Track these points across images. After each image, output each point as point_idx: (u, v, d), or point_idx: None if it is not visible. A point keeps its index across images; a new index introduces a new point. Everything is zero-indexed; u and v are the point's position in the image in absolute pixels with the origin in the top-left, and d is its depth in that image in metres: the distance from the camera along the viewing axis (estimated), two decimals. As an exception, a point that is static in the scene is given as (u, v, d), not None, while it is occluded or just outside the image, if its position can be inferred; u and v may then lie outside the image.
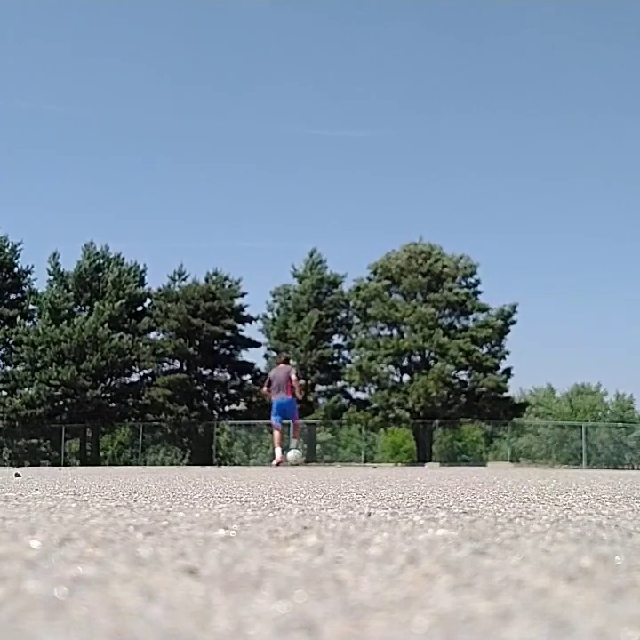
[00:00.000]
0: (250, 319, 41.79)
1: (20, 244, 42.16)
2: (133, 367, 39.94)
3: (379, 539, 1.82)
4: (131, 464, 34.92)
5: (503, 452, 39.43)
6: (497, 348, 38.74)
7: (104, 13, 65.79)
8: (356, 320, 40.59)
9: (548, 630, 0.96)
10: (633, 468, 36.17)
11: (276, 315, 42.85)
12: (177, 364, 40.52)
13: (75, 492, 3.78)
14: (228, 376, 41.23)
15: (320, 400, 40.58)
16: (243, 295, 41.37)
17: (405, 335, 38.13)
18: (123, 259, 41.81)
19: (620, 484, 5.74)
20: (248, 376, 41.44)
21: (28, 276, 42.15)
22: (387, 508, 2.79)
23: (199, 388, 40.30)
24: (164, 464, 36.50)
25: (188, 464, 35.55)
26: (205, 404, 40.39)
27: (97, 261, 41.14)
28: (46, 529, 1.95)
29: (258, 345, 42.14)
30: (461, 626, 0.97)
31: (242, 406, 40.73)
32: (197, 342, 39.68)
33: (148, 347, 39.28)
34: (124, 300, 39.61)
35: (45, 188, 67.66)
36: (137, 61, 67.70)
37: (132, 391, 40.15)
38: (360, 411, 38.34)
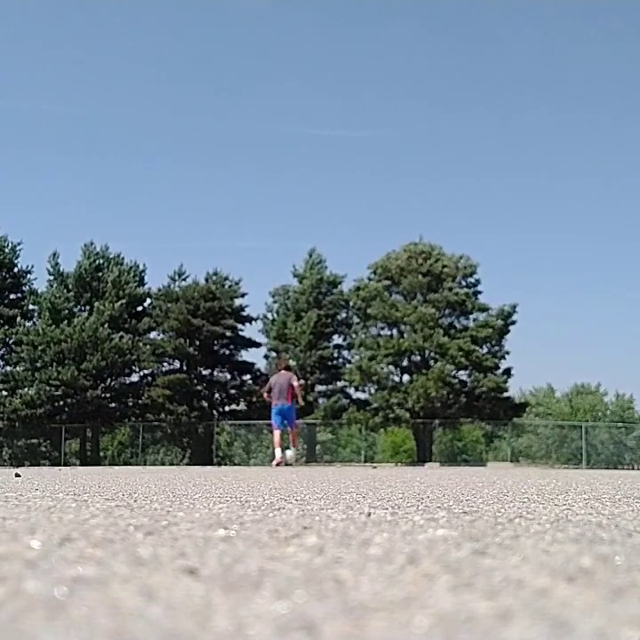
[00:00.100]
0: (250, 319, 41.80)
1: (19, 243, 42.19)
2: (133, 367, 39.93)
3: (379, 539, 1.82)
4: (131, 464, 34.92)
5: (503, 452, 39.43)
6: (497, 348, 38.73)
7: (104, 13, 65.85)
8: (356, 320, 40.58)
9: (547, 630, 0.96)
10: (633, 468, 36.17)
11: (275, 315, 42.86)
12: (177, 364, 40.52)
13: (75, 492, 3.78)
14: (228, 376, 41.23)
15: (320, 400, 40.56)
16: (243, 295, 41.40)
17: (405, 335, 38.12)
18: (122, 259, 41.81)
19: (619, 484, 5.74)
20: (248, 376, 41.44)
21: (28, 276, 42.16)
22: (387, 508, 2.78)
23: (199, 387, 40.29)
24: (163, 464, 36.50)
25: (188, 464, 35.55)
26: (205, 404, 40.38)
27: (97, 261, 41.14)
28: (46, 529, 1.95)
29: (258, 345, 42.16)
30: (461, 626, 0.97)
31: (242, 406, 40.73)
32: (197, 342, 39.68)
33: (148, 347, 39.27)
34: (124, 300, 39.61)
35: (45, 188, 67.70)
36: (137, 61, 67.74)
37: (131, 391, 40.15)
38: (360, 411, 38.33)
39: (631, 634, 0.94)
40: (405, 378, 38.78)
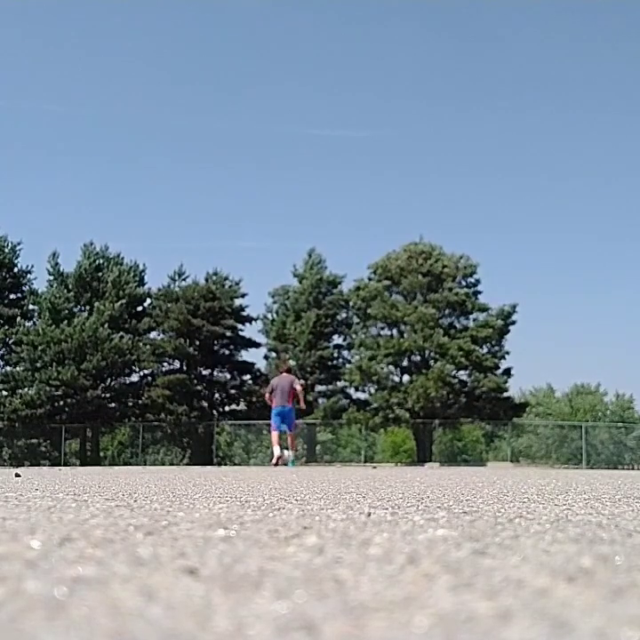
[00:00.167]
0: (250, 319, 41.80)
1: (19, 243, 42.21)
2: (133, 367, 39.94)
3: (379, 539, 1.82)
4: (131, 464, 34.92)
5: (503, 452, 39.43)
6: (497, 348, 38.74)
7: (104, 13, 65.86)
8: (356, 320, 40.58)
9: (547, 630, 0.96)
10: (633, 468, 36.17)
11: (274, 315, 42.87)
12: (177, 364, 40.53)
13: (75, 492, 3.78)
14: (228, 376, 41.23)
15: (320, 400, 40.56)
16: (243, 296, 41.40)
17: (405, 335, 38.12)
18: (122, 259, 41.82)
19: (619, 484, 5.75)
20: (248, 376, 41.45)
21: (28, 275, 42.17)
22: (387, 508, 2.79)
23: (199, 387, 40.30)
24: (163, 464, 36.50)
25: (187, 464, 35.55)
26: (205, 404, 40.38)
27: (97, 261, 41.14)
28: (46, 529, 1.95)
29: (258, 345, 42.17)
30: (461, 626, 0.97)
31: (242, 406, 40.73)
32: (197, 342, 39.68)
33: (148, 347, 39.27)
34: (124, 300, 39.61)
35: (45, 188, 67.70)
36: (137, 61, 67.76)
37: (131, 391, 40.15)
38: (360, 411, 38.33)
39: (631, 634, 0.94)
40: (405, 378, 38.79)
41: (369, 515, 2.49)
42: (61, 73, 66.43)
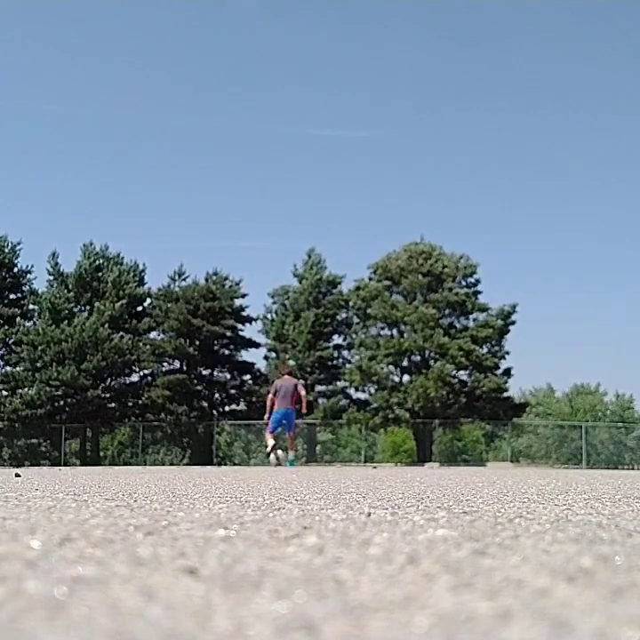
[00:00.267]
0: (250, 319, 41.80)
1: (19, 243, 42.19)
2: (133, 367, 39.93)
3: (379, 539, 1.82)
4: (131, 464, 34.92)
5: (503, 452, 39.43)
6: (497, 348, 38.73)
7: (104, 13, 65.86)
8: (356, 320, 40.58)
9: (547, 630, 0.96)
10: (633, 468, 36.17)
11: (274, 315, 42.86)
12: (177, 364, 40.52)
13: (75, 492, 3.78)
14: (228, 376, 41.23)
15: (320, 400, 40.56)
16: (243, 296, 41.39)
17: (405, 335, 38.11)
18: (122, 259, 41.81)
19: (619, 484, 5.74)
20: (248, 376, 41.44)
21: (28, 275, 42.16)
22: (387, 508, 2.78)
23: (199, 388, 40.29)
24: (163, 464, 36.50)
25: (187, 464, 35.55)
26: (205, 404, 40.38)
27: (97, 261, 41.12)
28: (46, 529, 1.95)
29: (258, 345, 42.16)
30: (461, 626, 0.97)
31: (242, 406, 40.72)
32: (197, 342, 39.67)
33: (148, 347, 39.27)
34: (124, 300, 39.61)
35: (45, 188, 67.69)
36: (137, 61, 67.77)
37: (131, 391, 40.14)
38: (360, 411, 38.32)
39: (631, 634, 0.94)
40: (405, 378, 38.78)
41: (369, 515, 2.49)
42: (61, 73, 66.48)
